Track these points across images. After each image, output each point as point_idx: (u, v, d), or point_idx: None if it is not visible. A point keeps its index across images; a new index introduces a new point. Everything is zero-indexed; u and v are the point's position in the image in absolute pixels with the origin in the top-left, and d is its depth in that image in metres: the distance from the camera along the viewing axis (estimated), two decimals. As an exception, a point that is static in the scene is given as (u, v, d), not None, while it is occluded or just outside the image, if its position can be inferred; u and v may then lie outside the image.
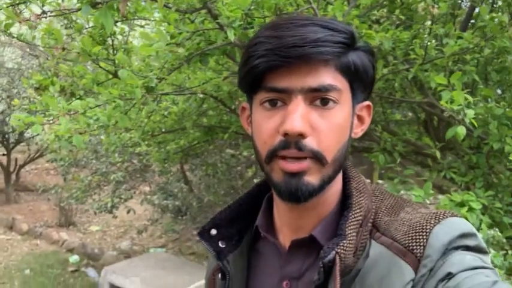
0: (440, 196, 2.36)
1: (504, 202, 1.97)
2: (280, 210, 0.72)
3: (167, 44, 1.13)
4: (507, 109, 1.85)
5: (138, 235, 5.37)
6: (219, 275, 0.73)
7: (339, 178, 0.71)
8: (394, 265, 0.60)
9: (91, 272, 4.65)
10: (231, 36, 1.18)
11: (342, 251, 0.60)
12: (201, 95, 2.20)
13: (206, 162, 3.71)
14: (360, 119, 0.70)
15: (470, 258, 0.59)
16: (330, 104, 0.62)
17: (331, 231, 0.67)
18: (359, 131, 0.70)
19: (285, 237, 0.72)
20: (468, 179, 2.06)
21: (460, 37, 1.80)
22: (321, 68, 0.61)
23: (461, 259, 0.58)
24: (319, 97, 0.62)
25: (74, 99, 2.10)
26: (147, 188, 4.93)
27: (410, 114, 3.37)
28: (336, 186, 0.70)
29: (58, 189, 4.86)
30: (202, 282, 3.05)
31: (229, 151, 4.14)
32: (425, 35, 1.68)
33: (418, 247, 0.60)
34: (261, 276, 0.73)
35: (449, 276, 0.56)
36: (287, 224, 0.71)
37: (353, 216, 0.64)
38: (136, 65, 1.78)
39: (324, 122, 0.62)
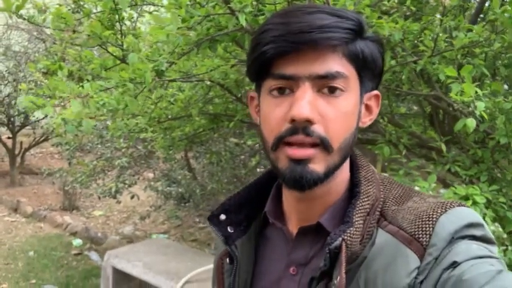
0: (442, 190, 2.37)
1: (508, 197, 1.97)
2: (288, 197, 0.73)
3: (178, 28, 1.13)
4: (515, 104, 1.85)
5: (141, 221, 5.41)
6: (227, 260, 0.74)
7: (346, 167, 0.71)
8: (399, 253, 0.61)
9: (94, 256, 4.70)
10: (243, 21, 1.18)
11: (348, 238, 0.61)
12: (208, 83, 2.20)
13: (210, 150, 3.72)
14: (368, 108, 0.70)
15: (476, 248, 0.59)
16: (337, 92, 0.62)
17: (338, 219, 0.67)
18: (367, 120, 0.70)
19: (293, 224, 0.73)
20: (473, 173, 2.06)
21: (470, 30, 1.79)
22: (328, 55, 0.62)
23: (467, 248, 0.59)
24: (327, 85, 0.62)
25: (81, 84, 2.12)
26: (150, 175, 4.96)
27: (415, 107, 3.36)
28: (343, 175, 0.70)
29: (63, 173, 4.89)
30: (204, 268, 3.09)
31: (233, 140, 4.15)
32: (436, 27, 1.67)
33: (424, 235, 0.60)
34: (268, 262, 0.74)
35: (454, 264, 0.57)
36: (295, 212, 0.72)
37: (360, 205, 0.65)
38: (144, 51, 1.79)
39: (332, 109, 0.62)
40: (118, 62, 2.00)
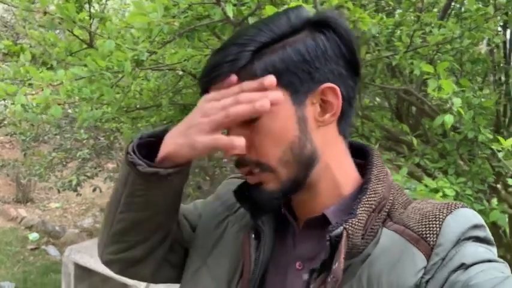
0: (408, 184, 2.43)
1: (474, 189, 2.04)
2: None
3: (162, 16, 1.08)
4: (483, 99, 1.92)
5: (102, 213, 5.26)
6: (253, 235, 0.72)
7: (343, 166, 0.70)
8: (406, 252, 0.61)
9: (52, 250, 4.53)
10: (230, 12, 1.14)
11: (349, 227, 0.61)
12: (181, 73, 2.14)
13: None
14: (325, 103, 0.66)
15: (483, 251, 0.60)
16: (255, 118, 0.63)
17: (344, 213, 0.67)
18: (327, 116, 0.66)
19: (300, 220, 0.73)
20: (441, 165, 2.12)
21: (441, 26, 1.82)
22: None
23: (474, 251, 0.59)
24: None
25: (44, 68, 2.00)
26: (111, 165, 4.81)
27: (378, 99, 3.43)
28: (337, 175, 0.69)
29: (17, 164, 4.66)
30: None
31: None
32: (412, 24, 1.69)
33: (431, 235, 0.61)
34: (277, 253, 0.73)
35: (462, 267, 0.57)
36: (298, 212, 0.73)
37: (366, 200, 0.65)
38: (115, 36, 1.71)
39: (256, 135, 0.64)
40: (84, 46, 1.90)
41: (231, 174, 0.90)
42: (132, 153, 0.67)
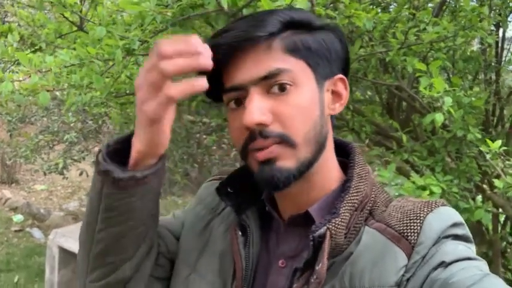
0: (396, 181, 2.44)
1: (460, 187, 2.06)
2: (277, 196, 0.73)
3: (156, 5, 1.06)
4: (473, 99, 1.92)
5: (87, 196, 5.23)
6: (239, 232, 0.71)
7: (334, 161, 0.72)
8: (387, 250, 0.62)
9: (36, 233, 4.50)
10: (225, 3, 1.12)
11: (333, 227, 0.62)
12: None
13: (166, 128, 3.62)
14: (335, 93, 0.70)
15: (462, 248, 0.61)
16: (287, 88, 0.63)
17: (327, 211, 0.67)
18: (336, 106, 0.70)
19: (284, 218, 0.72)
20: (429, 163, 2.14)
21: (436, 23, 1.82)
22: (265, 55, 0.63)
23: (454, 248, 0.60)
24: (274, 84, 0.63)
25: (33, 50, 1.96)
26: (98, 149, 4.77)
27: (369, 92, 3.44)
28: (330, 170, 0.70)
29: (2, 145, 4.59)
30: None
31: (188, 117, 4.06)
32: (408, 21, 1.69)
33: (412, 233, 0.62)
34: (261, 251, 0.72)
35: (442, 264, 0.58)
36: (283, 210, 0.72)
37: (349, 198, 0.65)
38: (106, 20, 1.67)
39: (285, 106, 0.63)
40: (74, 28, 1.86)
41: (210, 177, 0.86)
42: (103, 162, 0.62)
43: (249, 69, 0.63)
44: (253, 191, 0.74)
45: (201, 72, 0.57)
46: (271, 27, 0.62)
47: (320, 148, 0.66)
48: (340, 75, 0.70)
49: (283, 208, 0.72)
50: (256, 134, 0.62)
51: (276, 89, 0.62)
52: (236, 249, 0.70)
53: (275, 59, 0.63)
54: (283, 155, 0.63)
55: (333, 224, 0.62)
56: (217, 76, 0.64)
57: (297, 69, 0.63)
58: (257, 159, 0.63)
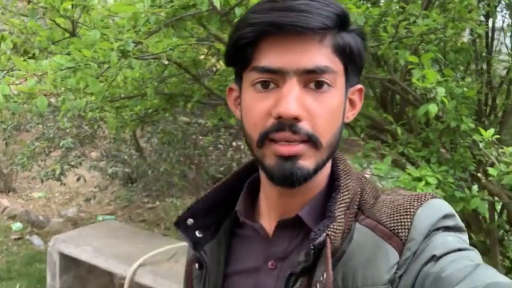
0: (392, 173, 2.46)
1: (455, 177, 2.08)
2: (269, 195, 0.71)
3: (150, 6, 1.07)
4: (465, 89, 1.95)
5: (86, 202, 5.21)
6: (196, 265, 0.72)
7: (329, 161, 0.71)
8: (379, 248, 0.61)
9: (36, 240, 4.48)
10: (217, 2, 1.14)
11: (332, 233, 0.61)
12: (167, 62, 2.12)
13: (163, 130, 3.63)
14: (352, 103, 0.70)
15: (452, 240, 0.61)
16: (324, 87, 0.61)
17: (317, 213, 0.67)
18: (350, 115, 0.70)
19: (272, 220, 0.71)
20: (424, 154, 2.16)
21: (425, 16, 1.84)
22: (316, 48, 0.60)
23: (444, 241, 0.60)
24: (314, 79, 0.61)
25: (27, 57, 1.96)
26: (95, 154, 4.76)
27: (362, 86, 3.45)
28: (326, 170, 0.70)
29: (-2, 154, 4.58)
30: (158, 251, 3.03)
31: (183, 119, 4.06)
32: (397, 14, 1.71)
33: (403, 230, 0.61)
34: (245, 259, 0.72)
35: (433, 259, 0.58)
36: (275, 209, 0.71)
37: (341, 198, 0.65)
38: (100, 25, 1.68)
39: (319, 105, 0.61)
40: (67, 35, 1.87)
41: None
42: None
43: (297, 57, 0.59)
44: (226, 205, 0.74)
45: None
46: (328, 21, 0.59)
47: (333, 152, 0.67)
48: (360, 86, 0.69)
49: (273, 214, 0.71)
50: (286, 126, 0.60)
51: (313, 85, 0.61)
52: (189, 285, 0.72)
53: (325, 55, 0.61)
54: (306, 154, 0.61)
55: (331, 230, 0.61)
56: (246, 48, 0.61)
57: (339, 72, 0.63)
58: (278, 153, 0.61)
